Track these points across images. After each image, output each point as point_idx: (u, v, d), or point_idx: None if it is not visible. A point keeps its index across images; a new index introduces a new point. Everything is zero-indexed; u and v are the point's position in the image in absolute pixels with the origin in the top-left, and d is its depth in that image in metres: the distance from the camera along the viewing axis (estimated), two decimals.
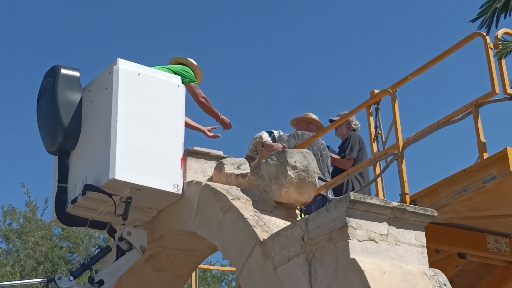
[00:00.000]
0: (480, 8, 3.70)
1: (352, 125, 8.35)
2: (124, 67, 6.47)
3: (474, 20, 3.74)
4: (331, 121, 8.30)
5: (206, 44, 29.14)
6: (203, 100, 7.52)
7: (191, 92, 7.50)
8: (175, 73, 7.20)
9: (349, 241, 4.91)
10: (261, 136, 8.10)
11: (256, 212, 5.84)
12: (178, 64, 7.73)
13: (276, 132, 8.01)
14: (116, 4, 29.37)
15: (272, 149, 7.94)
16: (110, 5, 29.11)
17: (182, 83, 6.86)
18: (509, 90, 6.18)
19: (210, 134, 7.75)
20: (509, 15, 3.70)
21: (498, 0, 3.66)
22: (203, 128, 7.78)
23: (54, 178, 6.76)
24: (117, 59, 6.49)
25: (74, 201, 6.44)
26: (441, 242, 6.67)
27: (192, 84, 7.49)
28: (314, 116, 8.35)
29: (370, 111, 7.05)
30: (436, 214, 5.34)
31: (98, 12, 29.06)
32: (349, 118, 8.02)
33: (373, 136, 6.98)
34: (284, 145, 7.82)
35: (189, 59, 7.82)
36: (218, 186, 6.18)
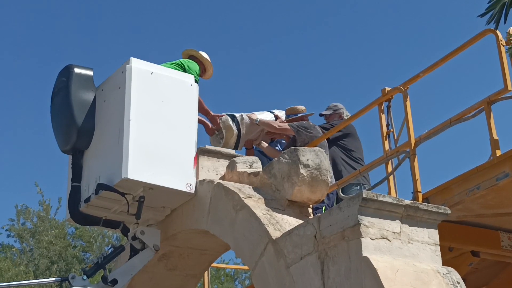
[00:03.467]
0: (488, 3, 3.69)
1: (344, 116, 8.35)
2: (137, 66, 6.48)
3: (482, 15, 3.72)
4: (321, 115, 8.41)
5: (217, 43, 29.17)
6: None
7: None
8: (181, 66, 7.21)
9: (361, 239, 4.90)
10: (242, 115, 7.97)
11: (268, 211, 5.84)
12: (189, 56, 7.73)
13: (238, 116, 7.93)
14: (129, 3, 29.42)
15: (271, 126, 7.94)
16: (124, 4, 29.17)
17: None
18: None
19: (211, 127, 7.78)
20: None
21: None
22: (207, 122, 7.80)
23: (68, 177, 6.78)
24: (130, 58, 6.51)
25: (87, 200, 6.47)
26: (454, 240, 6.65)
27: None
28: (303, 108, 8.36)
29: (382, 108, 7.03)
30: (449, 212, 5.32)
31: (112, 11, 29.12)
32: (339, 109, 8.28)
33: (384, 134, 6.96)
34: (308, 131, 7.76)
35: (200, 52, 7.81)
36: (230, 184, 6.19)
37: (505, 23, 3.72)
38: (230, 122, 7.69)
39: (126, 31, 29.72)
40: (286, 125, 7.90)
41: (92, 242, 20.12)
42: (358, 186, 7.62)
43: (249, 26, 30.27)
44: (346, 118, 8.26)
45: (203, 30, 29.68)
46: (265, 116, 8.12)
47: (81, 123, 6.56)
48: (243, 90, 29.40)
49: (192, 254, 7.17)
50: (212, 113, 7.70)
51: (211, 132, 7.79)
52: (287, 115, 8.27)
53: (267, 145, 8.12)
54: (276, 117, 8.18)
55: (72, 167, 6.68)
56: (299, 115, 8.24)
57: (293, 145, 7.37)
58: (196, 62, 7.60)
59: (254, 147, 8.29)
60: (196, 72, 7.38)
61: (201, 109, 7.56)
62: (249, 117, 7.87)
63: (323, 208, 7.45)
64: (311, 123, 7.97)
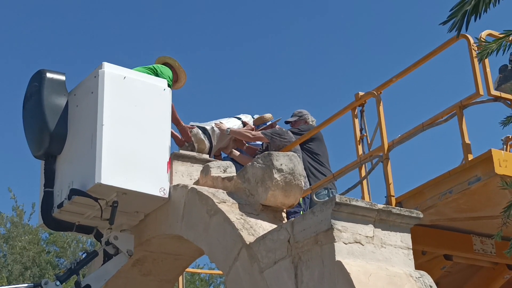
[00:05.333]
0: (450, 11, 3.71)
1: (309, 122, 8.38)
2: (110, 70, 6.47)
3: (444, 23, 3.73)
4: (287, 122, 8.43)
5: (189, 46, 29.13)
6: None
7: None
8: (153, 71, 7.18)
9: (335, 243, 4.91)
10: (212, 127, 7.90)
11: (242, 215, 5.85)
12: (164, 63, 7.70)
13: (209, 128, 7.86)
14: (101, 7, 29.32)
15: (244, 136, 7.94)
16: (95, 8, 29.06)
17: None
18: (493, 92, 6.20)
19: (180, 139, 7.67)
20: (479, 18, 3.71)
21: (468, 2, 3.67)
22: (177, 134, 7.69)
23: (41, 182, 6.74)
24: (103, 62, 6.49)
25: (60, 205, 6.43)
26: (427, 244, 6.69)
27: None
28: (270, 115, 8.39)
29: (355, 113, 7.05)
30: (421, 216, 5.35)
31: (83, 15, 29.01)
32: (305, 115, 8.30)
33: (358, 139, 6.99)
34: (279, 136, 7.78)
35: (176, 61, 7.78)
36: (204, 189, 6.19)
37: (466, 30, 3.74)
38: (202, 135, 7.59)
39: (98, 35, 29.60)
40: (259, 134, 7.92)
41: (66, 247, 19.97)
42: (326, 190, 7.66)
43: (219, 29, 30.27)
44: (311, 123, 8.30)
45: (172, 34, 29.63)
46: (232, 123, 8.10)
47: (53, 128, 6.52)
48: (212, 94, 29.36)
49: (166, 259, 7.15)
50: (183, 124, 7.63)
51: (181, 143, 7.71)
52: (257, 126, 8.27)
53: (238, 153, 8.13)
54: (244, 124, 8.18)
55: (45, 173, 6.64)
56: (268, 123, 8.26)
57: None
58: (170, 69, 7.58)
59: (223, 155, 8.30)
60: (169, 77, 7.35)
61: (173, 118, 7.50)
62: (219, 128, 7.83)
63: (301, 212, 7.47)
64: (283, 129, 8.01)
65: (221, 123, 7.92)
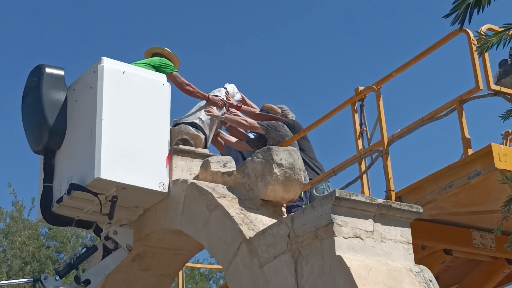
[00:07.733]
0: (453, 4, 3.71)
1: (289, 117, 8.37)
2: (109, 65, 6.46)
3: (447, 16, 3.73)
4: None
5: (190, 42, 29.13)
6: (188, 88, 7.48)
7: (174, 82, 7.41)
8: (153, 66, 7.19)
9: (335, 238, 4.91)
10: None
11: (242, 210, 5.84)
12: (154, 54, 7.69)
13: (198, 121, 7.73)
14: (100, 2, 29.30)
15: (240, 123, 7.94)
16: (94, 2, 29.04)
17: (163, 73, 6.92)
18: (493, 86, 6.20)
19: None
20: (482, 11, 3.70)
21: None
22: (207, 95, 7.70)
23: (40, 177, 6.74)
24: (102, 57, 6.49)
25: (60, 200, 6.43)
26: (426, 239, 6.68)
27: (174, 73, 7.44)
28: (280, 110, 8.39)
29: (355, 108, 7.05)
30: (421, 210, 5.35)
31: (82, 10, 28.98)
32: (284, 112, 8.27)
33: (358, 133, 6.98)
34: (275, 129, 7.78)
35: (165, 48, 7.78)
36: (204, 184, 6.18)
37: (469, 23, 3.73)
38: (194, 131, 7.51)
39: (97, 30, 29.58)
40: (255, 123, 7.92)
41: (65, 242, 19.98)
42: (324, 184, 7.66)
43: (218, 23, 30.26)
44: (291, 118, 8.30)
45: (169, 29, 29.62)
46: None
47: (52, 123, 6.52)
48: (208, 88, 29.31)
49: (166, 254, 7.15)
50: (211, 96, 7.64)
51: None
52: (261, 110, 8.28)
53: (235, 139, 8.14)
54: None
55: (44, 168, 6.64)
56: (270, 113, 8.24)
57: (264, 144, 7.40)
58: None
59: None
60: (170, 65, 7.38)
61: (200, 96, 7.52)
62: (212, 115, 7.77)
63: (303, 206, 7.46)
64: (279, 123, 8.01)
65: (212, 108, 7.87)
